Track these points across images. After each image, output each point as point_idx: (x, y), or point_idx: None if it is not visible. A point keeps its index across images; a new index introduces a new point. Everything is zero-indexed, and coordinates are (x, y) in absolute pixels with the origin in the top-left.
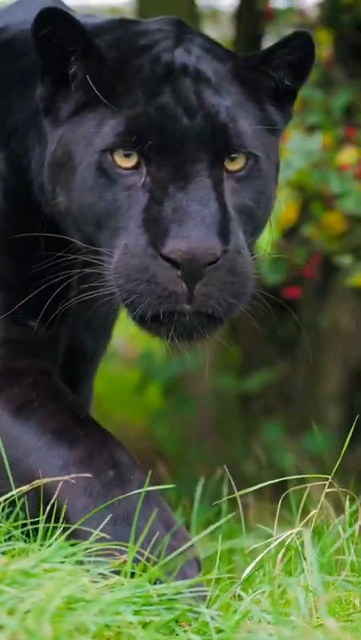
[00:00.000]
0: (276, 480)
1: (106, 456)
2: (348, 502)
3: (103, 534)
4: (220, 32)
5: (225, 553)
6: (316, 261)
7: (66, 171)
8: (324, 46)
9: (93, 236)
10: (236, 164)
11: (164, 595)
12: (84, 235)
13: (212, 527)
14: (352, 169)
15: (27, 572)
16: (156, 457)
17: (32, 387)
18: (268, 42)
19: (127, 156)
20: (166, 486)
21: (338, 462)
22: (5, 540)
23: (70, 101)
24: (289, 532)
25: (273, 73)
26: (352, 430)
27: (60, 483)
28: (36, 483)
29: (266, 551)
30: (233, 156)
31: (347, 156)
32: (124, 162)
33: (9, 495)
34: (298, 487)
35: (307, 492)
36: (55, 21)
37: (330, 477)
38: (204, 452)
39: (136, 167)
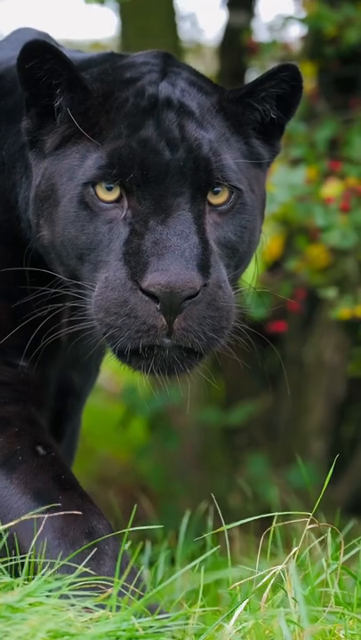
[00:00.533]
0: (261, 516)
1: (82, 525)
2: (329, 536)
3: (87, 569)
4: (204, 66)
5: (211, 586)
6: (301, 295)
7: (49, 204)
8: (307, 79)
9: (76, 270)
10: (219, 198)
11: (150, 627)
12: (67, 268)
13: (197, 560)
14: (336, 202)
15: (11, 605)
16: (141, 491)
17: (17, 437)
18: (252, 75)
19: (109, 189)
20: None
21: (320, 497)
22: None
23: (55, 134)
24: (274, 568)
25: (258, 105)
26: (335, 463)
27: (34, 552)
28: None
29: (256, 587)
30: (216, 189)
31: (331, 189)
32: (107, 195)
33: None
34: (282, 523)
35: (291, 526)
36: (41, 54)
37: (311, 514)
38: (189, 486)
39: (118, 200)
